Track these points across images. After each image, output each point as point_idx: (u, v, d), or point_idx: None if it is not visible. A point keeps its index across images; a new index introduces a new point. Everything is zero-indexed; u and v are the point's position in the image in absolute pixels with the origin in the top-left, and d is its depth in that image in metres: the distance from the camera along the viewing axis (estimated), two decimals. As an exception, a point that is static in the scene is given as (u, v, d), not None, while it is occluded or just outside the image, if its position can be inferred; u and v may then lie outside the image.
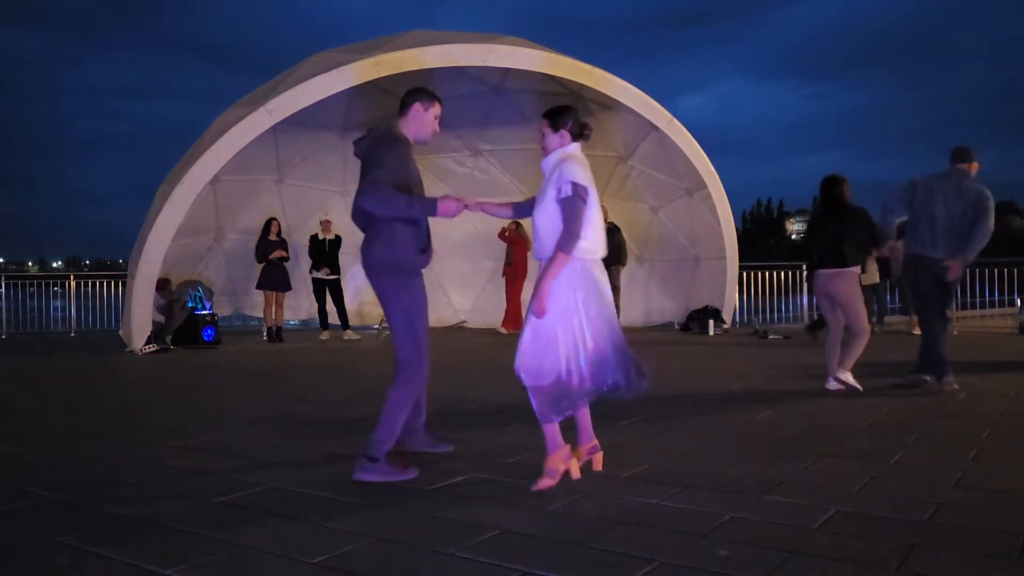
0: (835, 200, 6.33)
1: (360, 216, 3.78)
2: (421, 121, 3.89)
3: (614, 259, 11.48)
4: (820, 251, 6.31)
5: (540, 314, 3.42)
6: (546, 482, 3.47)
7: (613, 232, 11.53)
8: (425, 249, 3.80)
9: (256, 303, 13.00)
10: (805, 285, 13.40)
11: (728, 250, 12.68)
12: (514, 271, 12.77)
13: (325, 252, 12.06)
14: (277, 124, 10.33)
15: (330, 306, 12.32)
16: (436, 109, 3.93)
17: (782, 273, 15.02)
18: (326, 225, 12.13)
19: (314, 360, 9.44)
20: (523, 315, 4.14)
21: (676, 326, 13.23)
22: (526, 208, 3.79)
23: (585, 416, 3.72)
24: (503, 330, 12.64)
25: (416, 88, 4.00)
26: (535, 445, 4.03)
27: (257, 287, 12.17)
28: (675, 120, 11.99)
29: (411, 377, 3.76)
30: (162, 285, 10.77)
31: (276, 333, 11.91)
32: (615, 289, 11.58)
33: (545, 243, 3.51)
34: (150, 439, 4.70)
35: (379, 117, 12.86)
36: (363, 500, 3.33)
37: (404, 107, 3.91)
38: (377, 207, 3.66)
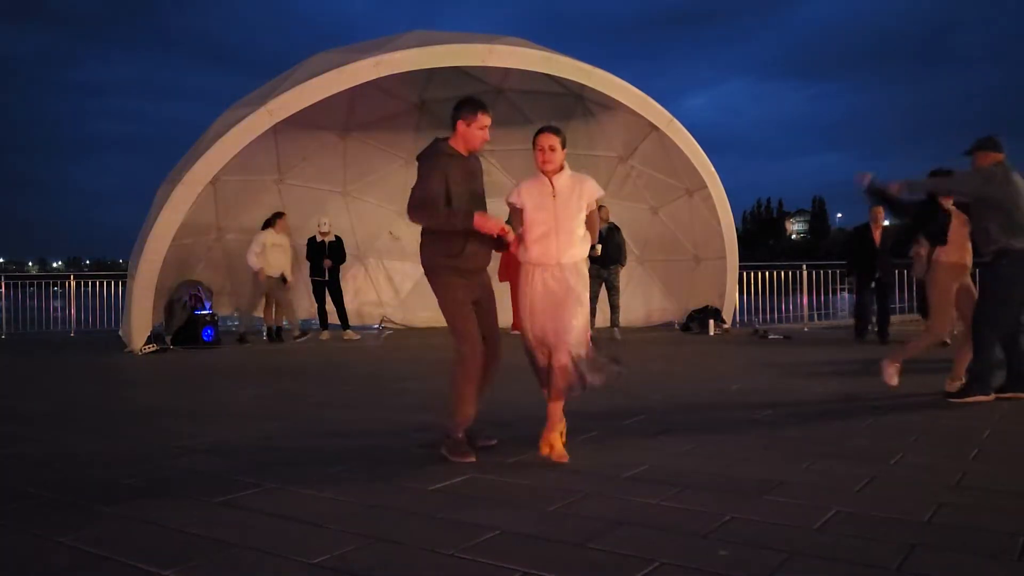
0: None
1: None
2: (466, 137, 4.15)
3: (613, 259, 11.45)
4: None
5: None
6: None
7: (613, 232, 11.50)
8: (458, 253, 4.09)
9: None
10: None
11: (728, 250, 12.65)
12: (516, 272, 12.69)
13: (324, 255, 12.04)
14: (277, 124, 10.32)
15: (330, 306, 12.32)
16: (481, 120, 4.13)
17: (782, 273, 15.00)
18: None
19: (314, 360, 9.44)
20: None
21: (676, 326, 13.22)
22: None
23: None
24: (516, 332, 12.54)
25: (460, 102, 4.20)
26: (536, 445, 4.04)
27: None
28: (675, 120, 11.97)
29: (460, 360, 4.11)
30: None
31: (276, 333, 11.91)
32: (614, 289, 11.57)
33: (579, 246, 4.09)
34: (150, 439, 4.70)
35: (379, 117, 12.90)
36: (364, 500, 3.33)
37: (452, 123, 4.17)
38: (417, 219, 4.14)
